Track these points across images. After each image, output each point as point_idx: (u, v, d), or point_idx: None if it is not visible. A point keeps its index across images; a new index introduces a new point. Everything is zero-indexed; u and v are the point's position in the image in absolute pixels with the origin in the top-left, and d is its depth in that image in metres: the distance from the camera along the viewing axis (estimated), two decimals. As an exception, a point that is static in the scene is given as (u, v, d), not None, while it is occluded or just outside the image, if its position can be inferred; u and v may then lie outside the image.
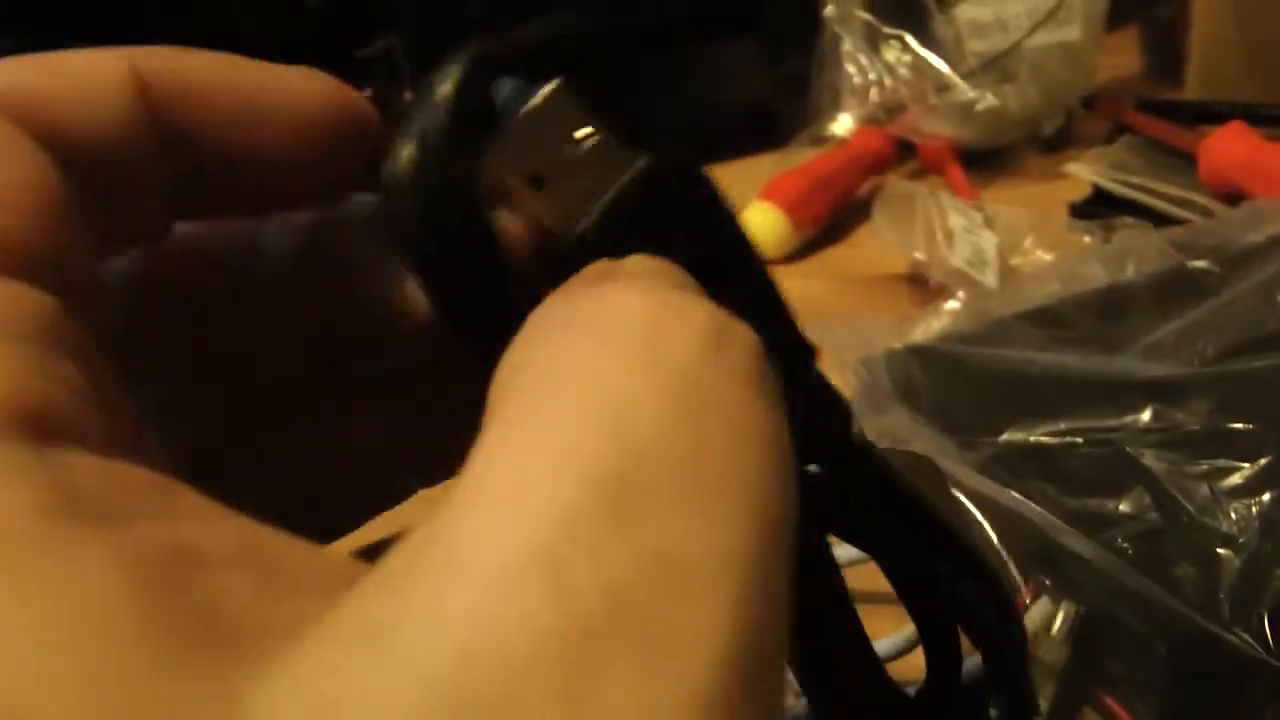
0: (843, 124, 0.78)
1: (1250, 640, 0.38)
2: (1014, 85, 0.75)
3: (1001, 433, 0.46)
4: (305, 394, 0.23)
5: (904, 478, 0.26)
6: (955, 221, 0.66)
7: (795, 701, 0.36)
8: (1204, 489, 0.42)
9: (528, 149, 0.20)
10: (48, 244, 0.16)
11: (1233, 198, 0.66)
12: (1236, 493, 0.42)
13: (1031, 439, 0.46)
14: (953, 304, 0.55)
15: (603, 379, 0.15)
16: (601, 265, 0.19)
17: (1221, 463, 0.43)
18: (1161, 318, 0.51)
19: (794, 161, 0.75)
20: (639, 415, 0.14)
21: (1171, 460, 0.43)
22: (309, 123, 0.20)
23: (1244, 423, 0.44)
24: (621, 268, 0.19)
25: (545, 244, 0.20)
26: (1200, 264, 0.54)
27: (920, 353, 0.52)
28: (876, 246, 0.68)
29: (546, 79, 0.20)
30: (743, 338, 0.16)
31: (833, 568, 0.25)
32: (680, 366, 0.15)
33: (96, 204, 0.18)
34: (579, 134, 0.20)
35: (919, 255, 0.65)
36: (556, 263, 0.20)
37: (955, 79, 0.74)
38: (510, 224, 0.20)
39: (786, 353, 0.21)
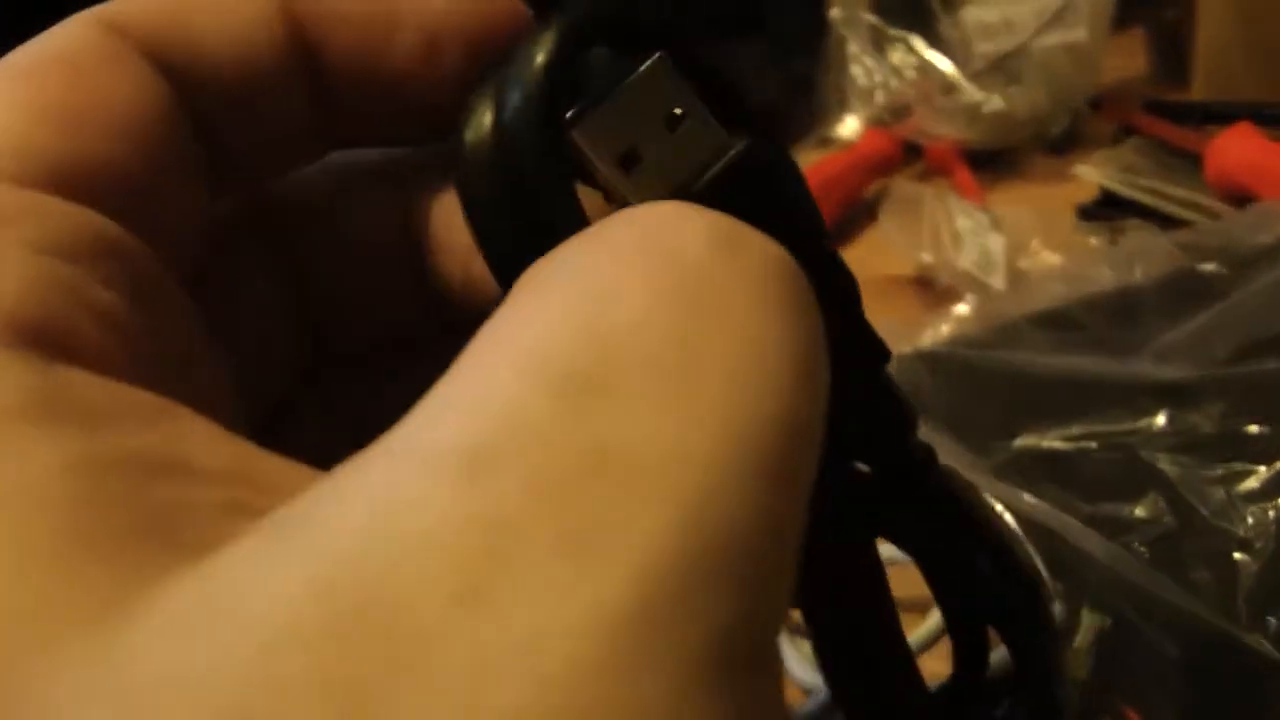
0: (849, 126, 0.78)
1: (1268, 643, 0.38)
2: (1020, 87, 0.75)
3: (1014, 438, 0.46)
4: (397, 347, 0.22)
5: (955, 482, 0.25)
6: (962, 223, 0.66)
7: (804, 699, 0.36)
8: (1219, 493, 0.42)
9: (621, 126, 0.18)
10: (135, 174, 0.16)
11: (1240, 199, 0.66)
12: (1252, 496, 0.42)
13: (1045, 444, 0.46)
14: (962, 308, 0.55)
15: (590, 276, 0.14)
16: None
17: (1237, 466, 0.43)
18: (1171, 320, 0.51)
19: (800, 164, 0.75)
20: (620, 308, 0.13)
21: (1186, 464, 0.43)
22: (456, 29, 0.19)
23: (1259, 425, 0.44)
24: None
25: None
26: (1208, 266, 0.54)
27: (929, 358, 0.52)
28: (883, 249, 0.68)
29: (643, 51, 0.19)
30: (766, 246, 0.15)
31: (879, 569, 0.24)
32: (683, 263, 0.14)
33: (228, 137, 0.18)
34: (676, 111, 0.19)
35: (926, 257, 0.65)
36: None
37: (962, 80, 0.74)
38: (594, 205, 0.19)
39: (858, 351, 0.21)
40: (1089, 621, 0.40)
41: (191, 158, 0.17)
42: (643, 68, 0.18)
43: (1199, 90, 0.78)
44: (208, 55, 0.17)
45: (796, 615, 0.25)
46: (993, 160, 0.77)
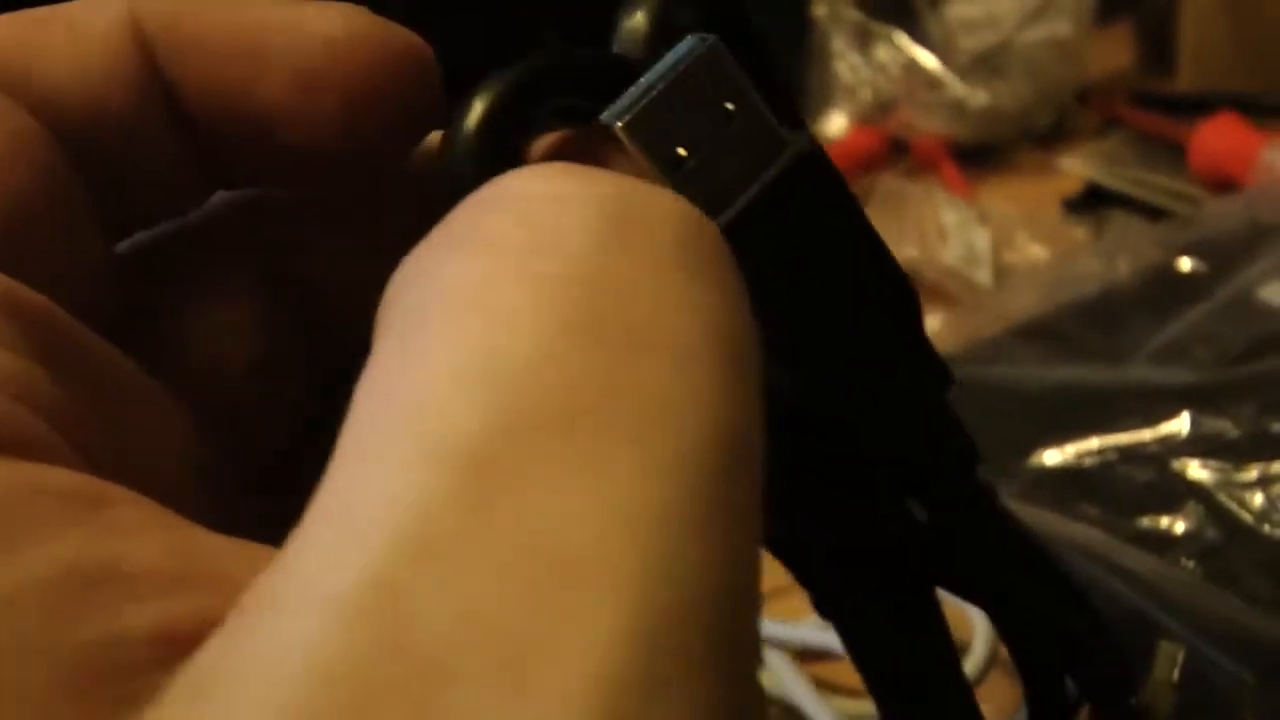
0: (835, 123, 0.78)
1: None
2: (1006, 81, 0.75)
3: (1029, 456, 0.46)
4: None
5: (1018, 521, 0.23)
6: (948, 218, 0.67)
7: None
8: (1259, 496, 0.42)
9: (671, 122, 0.17)
10: (14, 217, 0.15)
11: (1224, 187, 0.66)
12: None
13: (1067, 461, 0.45)
14: (932, 323, 0.55)
15: (471, 299, 0.12)
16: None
17: (1274, 467, 0.43)
18: (1158, 322, 0.51)
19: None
20: (515, 347, 0.12)
21: (1219, 470, 0.43)
22: (336, 70, 0.17)
23: None
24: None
25: None
26: (1186, 264, 0.55)
27: None
28: (871, 245, 0.68)
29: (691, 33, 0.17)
30: (665, 211, 0.14)
31: (941, 621, 0.22)
32: (572, 259, 0.12)
33: (105, 177, 0.17)
34: (729, 105, 0.17)
35: (912, 253, 0.65)
36: None
37: (947, 76, 0.74)
38: None
39: (915, 377, 0.20)
40: (1167, 651, 0.39)
41: (77, 198, 0.16)
42: (694, 54, 0.17)
43: (1184, 81, 0.78)
44: (63, 90, 0.16)
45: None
46: (980, 155, 0.77)
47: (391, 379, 0.12)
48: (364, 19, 0.17)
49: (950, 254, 0.65)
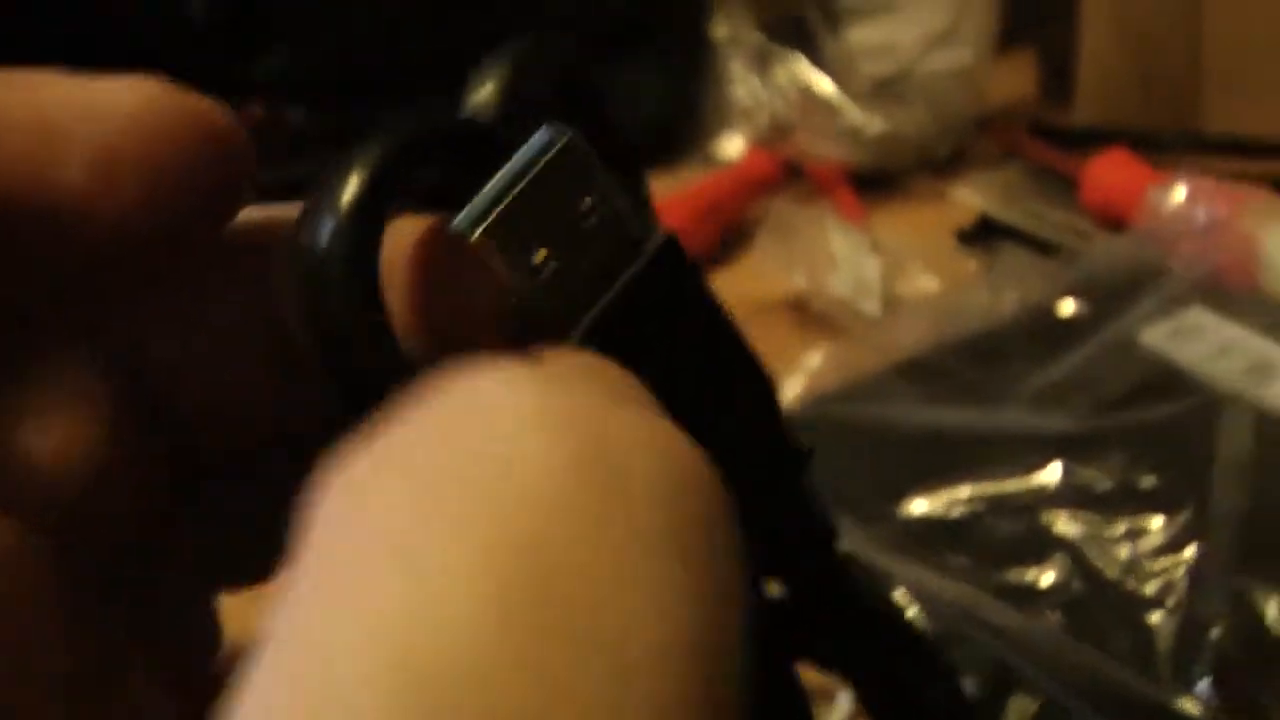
0: (732, 145, 0.77)
1: (1196, 703, 0.38)
2: (905, 109, 0.75)
3: (899, 503, 0.45)
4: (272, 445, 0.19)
5: (879, 593, 0.24)
6: (839, 247, 0.66)
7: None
8: (1125, 551, 0.42)
9: (528, 222, 0.16)
10: None
11: (1115, 224, 0.66)
12: (1157, 551, 0.42)
13: (936, 511, 0.45)
14: (815, 359, 0.54)
15: (400, 553, 0.11)
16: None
17: (1139, 521, 0.42)
18: (1038, 364, 0.51)
19: (685, 183, 0.74)
20: (439, 632, 0.10)
21: (1088, 523, 0.43)
22: (135, 148, 0.16)
23: (1154, 476, 0.44)
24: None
25: (530, 326, 0.17)
26: (1069, 307, 0.54)
27: (794, 420, 0.50)
28: (760, 272, 0.67)
29: (550, 117, 0.17)
30: (645, 452, 0.12)
31: (803, 696, 0.22)
32: (526, 518, 0.11)
33: None
34: (587, 200, 0.17)
35: (801, 282, 0.64)
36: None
37: (844, 102, 0.74)
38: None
39: (774, 460, 0.20)
40: (1019, 705, 0.39)
41: None
42: (550, 149, 0.17)
43: (1082, 114, 0.78)
44: None
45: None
46: (876, 182, 0.77)
47: (300, 618, 0.11)
48: (162, 91, 0.16)
49: (839, 284, 0.64)
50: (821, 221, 0.68)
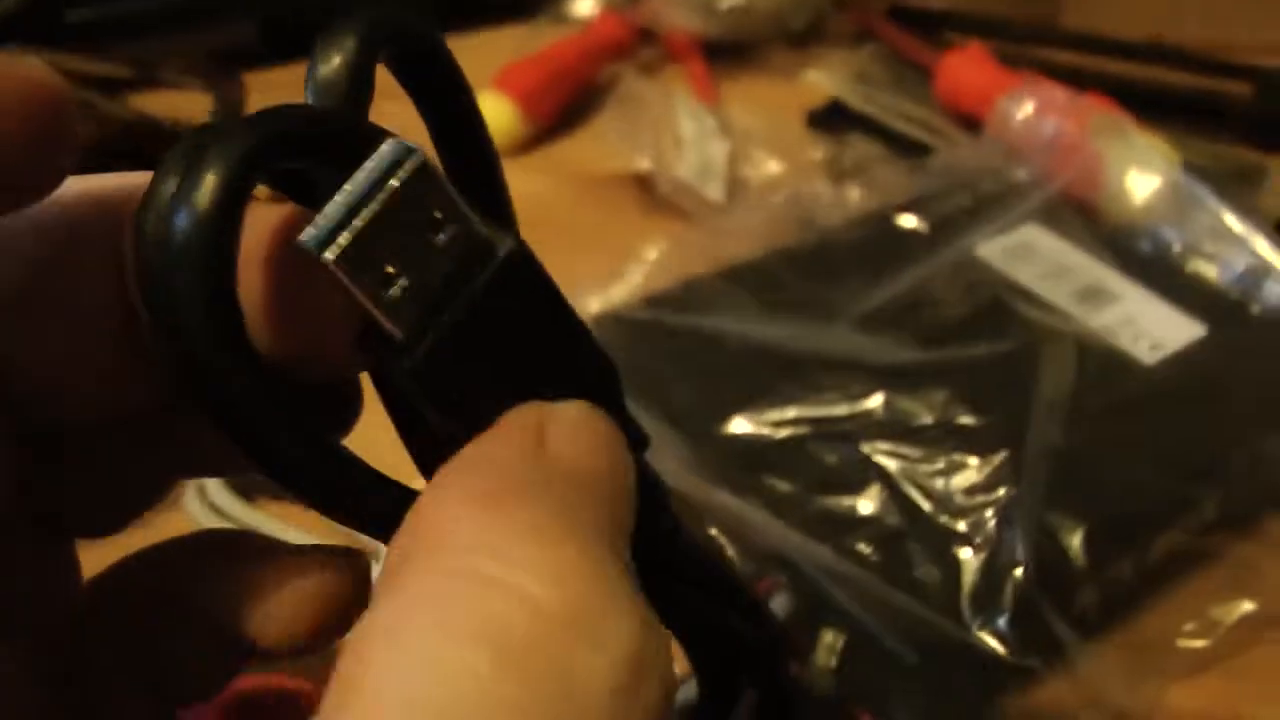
0: (583, 6, 0.74)
1: (993, 641, 0.39)
2: (761, -19, 0.73)
3: (723, 421, 0.45)
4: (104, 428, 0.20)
5: (706, 548, 0.24)
6: (687, 128, 0.64)
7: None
8: (940, 486, 0.42)
9: (380, 246, 0.16)
10: None
11: (968, 122, 0.65)
12: (972, 490, 0.42)
13: (761, 432, 0.44)
14: (653, 253, 0.53)
15: None
16: (461, 529, 0.16)
17: (956, 458, 0.43)
18: (872, 280, 0.50)
19: (534, 42, 0.71)
20: None
21: (907, 457, 0.43)
22: None
23: (977, 416, 0.44)
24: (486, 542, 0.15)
25: (373, 340, 0.17)
26: (908, 222, 0.54)
27: (627, 324, 0.49)
28: (607, 145, 0.65)
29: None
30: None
31: None
32: None
33: None
34: (436, 215, 0.17)
35: (645, 164, 0.63)
36: (385, 370, 0.18)
37: (700, -31, 0.71)
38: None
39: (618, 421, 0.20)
40: (828, 639, 0.40)
41: None
42: (400, 167, 0.16)
43: (943, -2, 0.77)
44: None
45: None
46: (728, 51, 0.75)
47: None
48: None
49: (684, 167, 0.63)
50: (670, 99, 0.66)
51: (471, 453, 0.17)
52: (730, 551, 0.41)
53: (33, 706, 0.17)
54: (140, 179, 0.17)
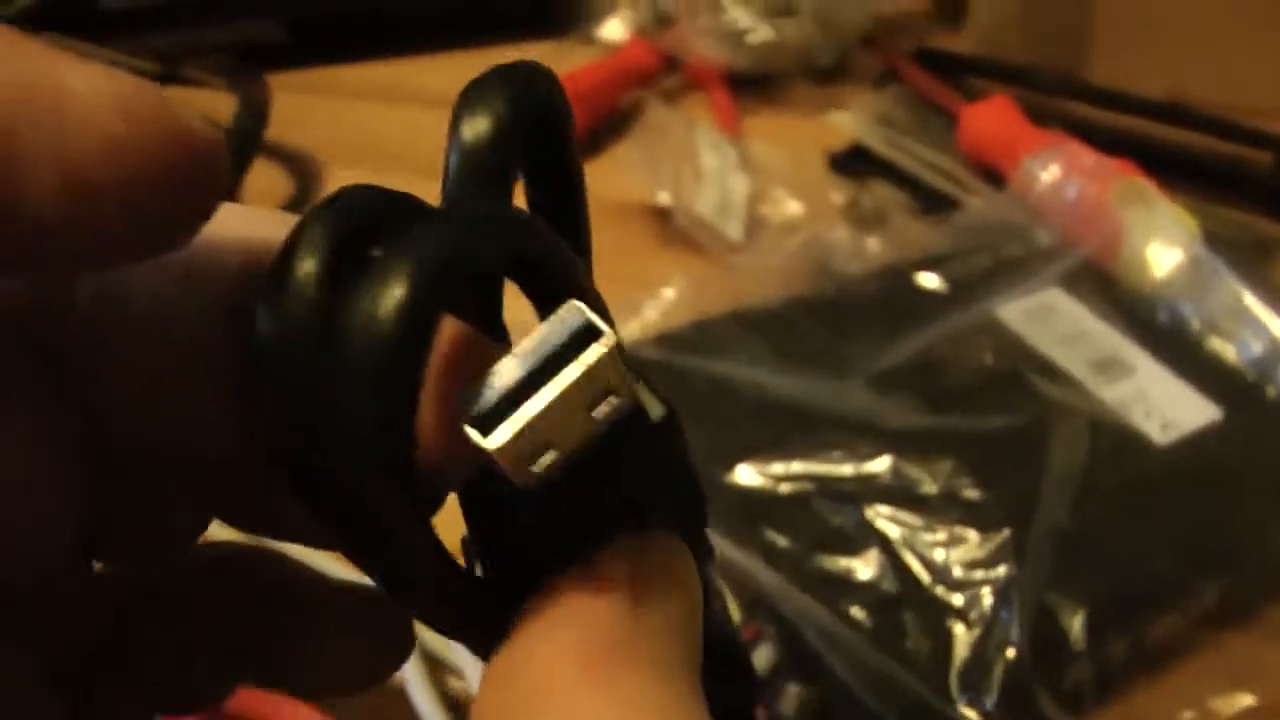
0: (613, 29, 0.74)
1: (980, 718, 0.39)
2: (791, 16, 0.72)
3: (729, 470, 0.45)
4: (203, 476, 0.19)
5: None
6: (708, 160, 0.64)
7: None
8: (940, 558, 0.42)
9: (547, 428, 0.15)
10: None
11: (989, 174, 0.65)
12: (973, 564, 0.42)
13: (765, 485, 0.44)
14: (669, 292, 0.53)
15: None
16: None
17: (959, 530, 0.43)
18: (889, 337, 0.50)
19: (561, 62, 0.71)
20: None
21: (908, 524, 0.43)
22: (118, 177, 0.14)
23: (983, 489, 0.44)
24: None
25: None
26: (928, 281, 0.54)
27: (641, 363, 0.49)
28: (628, 173, 0.65)
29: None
30: None
31: None
32: None
33: None
34: (604, 393, 0.16)
35: (665, 198, 0.63)
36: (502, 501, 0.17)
37: (729, 3, 0.71)
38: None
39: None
40: (802, 695, 0.40)
41: None
42: (589, 357, 0.15)
43: (971, 39, 0.77)
44: None
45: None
46: (754, 83, 0.75)
47: None
48: (149, 100, 0.14)
49: (704, 203, 0.63)
50: (692, 131, 0.66)
51: (572, 603, 0.16)
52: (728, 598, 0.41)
53: (36, 705, 0.17)
54: (259, 230, 0.16)
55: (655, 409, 0.17)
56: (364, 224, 0.16)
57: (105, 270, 0.15)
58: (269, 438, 0.16)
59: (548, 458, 0.15)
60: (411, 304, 0.14)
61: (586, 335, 0.15)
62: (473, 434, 0.15)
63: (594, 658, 0.16)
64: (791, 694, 0.40)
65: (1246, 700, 0.43)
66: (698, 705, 0.16)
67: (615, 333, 0.15)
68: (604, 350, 0.15)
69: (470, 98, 0.17)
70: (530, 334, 0.15)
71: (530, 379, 0.15)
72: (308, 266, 0.15)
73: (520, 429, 0.15)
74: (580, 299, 0.16)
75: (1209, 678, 0.43)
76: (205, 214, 0.15)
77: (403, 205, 0.16)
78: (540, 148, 0.18)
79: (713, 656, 0.25)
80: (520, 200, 0.18)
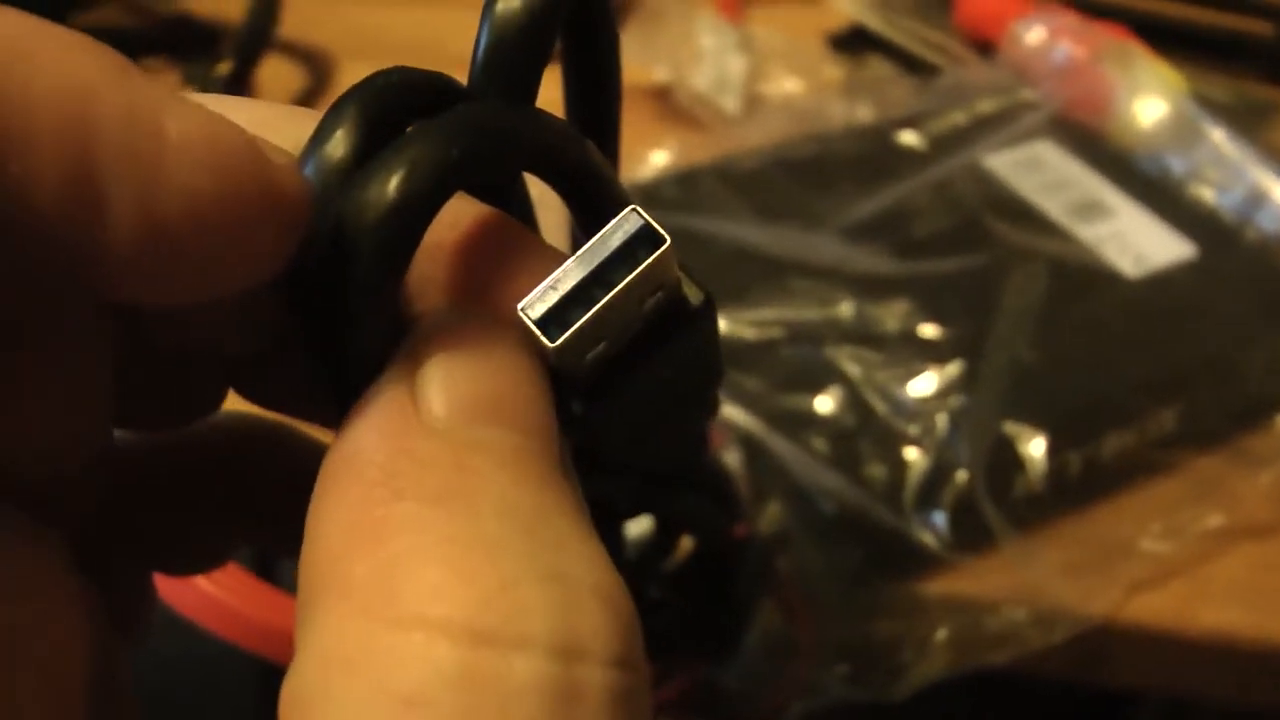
0: (616, -80, 0.75)
1: (928, 535, 0.41)
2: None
3: None
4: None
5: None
6: (706, 42, 0.65)
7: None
8: (897, 391, 0.43)
9: (596, 327, 0.16)
10: None
11: (985, 47, 0.66)
12: (928, 397, 0.43)
13: (738, 331, 0.46)
14: (660, 156, 0.54)
15: None
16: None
17: (915, 365, 0.44)
18: (864, 191, 0.51)
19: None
20: None
21: (867, 362, 0.44)
22: (199, 232, 0.14)
23: (936, 326, 0.45)
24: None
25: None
26: (907, 138, 0.54)
27: None
28: (628, 56, 0.66)
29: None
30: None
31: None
32: None
33: None
34: (655, 295, 0.17)
35: (662, 74, 0.64)
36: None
37: (732, -112, 0.72)
38: None
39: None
40: (773, 510, 0.41)
41: None
42: (648, 262, 0.16)
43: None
44: None
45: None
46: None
47: None
48: (239, 148, 0.14)
49: (701, 78, 0.64)
50: (692, 13, 0.67)
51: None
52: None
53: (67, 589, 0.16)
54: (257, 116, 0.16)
55: (695, 296, 0.18)
56: (396, 103, 0.16)
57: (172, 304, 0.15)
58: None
59: (599, 350, 0.16)
60: (396, 206, 0.15)
61: (645, 239, 0.16)
62: (536, 333, 0.16)
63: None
64: (771, 512, 0.41)
65: (1215, 519, 0.43)
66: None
67: (671, 245, 0.16)
68: (661, 254, 0.16)
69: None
70: (592, 238, 0.16)
71: (590, 279, 0.16)
72: (338, 139, 0.16)
73: (577, 329, 0.16)
74: (613, 202, 0.17)
75: (1175, 498, 0.44)
76: (283, 258, 0.15)
77: (434, 87, 0.17)
78: (579, 31, 0.19)
79: (703, 489, 0.26)
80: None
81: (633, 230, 0.16)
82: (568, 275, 0.16)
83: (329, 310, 0.16)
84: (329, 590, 0.14)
